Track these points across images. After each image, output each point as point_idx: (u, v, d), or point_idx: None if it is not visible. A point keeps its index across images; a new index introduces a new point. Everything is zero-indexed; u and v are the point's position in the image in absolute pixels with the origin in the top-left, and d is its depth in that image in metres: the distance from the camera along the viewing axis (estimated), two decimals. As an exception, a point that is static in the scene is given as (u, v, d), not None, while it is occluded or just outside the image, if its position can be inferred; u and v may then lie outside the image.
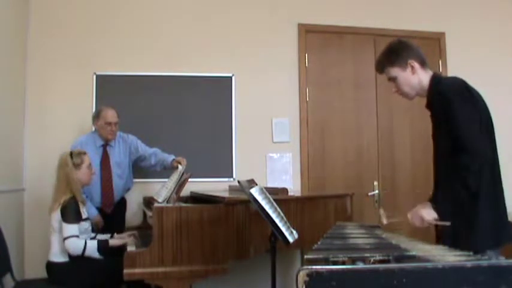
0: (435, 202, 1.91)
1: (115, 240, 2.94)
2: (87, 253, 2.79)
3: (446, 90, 1.94)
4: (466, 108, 1.88)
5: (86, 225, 2.94)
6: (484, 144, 1.84)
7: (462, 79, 1.99)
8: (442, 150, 2.00)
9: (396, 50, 2.09)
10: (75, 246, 2.77)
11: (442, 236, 1.96)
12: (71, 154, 2.99)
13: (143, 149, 3.61)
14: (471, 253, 1.37)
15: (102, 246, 2.85)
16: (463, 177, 1.83)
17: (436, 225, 1.95)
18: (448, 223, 1.85)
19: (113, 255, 2.83)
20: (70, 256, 2.83)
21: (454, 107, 1.88)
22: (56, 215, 2.84)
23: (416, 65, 2.06)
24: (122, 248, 2.78)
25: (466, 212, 1.89)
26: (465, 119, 1.86)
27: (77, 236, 2.80)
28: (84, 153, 3.05)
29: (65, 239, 2.77)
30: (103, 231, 3.16)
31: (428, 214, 1.89)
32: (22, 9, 3.72)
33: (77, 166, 2.96)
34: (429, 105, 2.09)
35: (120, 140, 3.58)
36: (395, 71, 2.09)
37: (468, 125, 1.86)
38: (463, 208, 1.88)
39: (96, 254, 2.82)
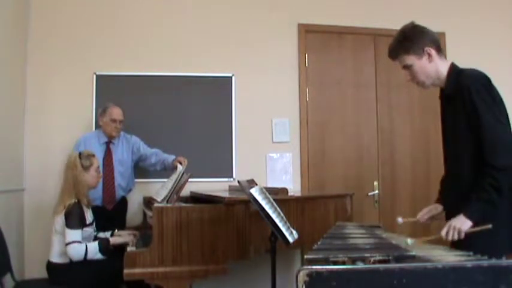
0: (465, 209, 1.81)
1: (116, 238, 2.93)
2: (89, 256, 2.77)
3: (469, 82, 1.85)
4: (495, 107, 1.82)
5: (90, 230, 2.92)
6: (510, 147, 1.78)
7: (484, 73, 1.90)
8: (464, 142, 1.90)
9: (411, 37, 1.96)
10: (77, 252, 2.75)
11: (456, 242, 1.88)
12: (80, 155, 2.96)
13: (145, 149, 3.64)
14: (471, 253, 1.37)
15: (103, 246, 2.83)
16: (496, 178, 1.76)
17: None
18: (489, 226, 1.73)
19: (114, 254, 2.81)
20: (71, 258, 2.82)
21: (480, 101, 1.80)
22: (60, 218, 2.82)
23: (433, 52, 1.94)
24: (123, 247, 2.78)
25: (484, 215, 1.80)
26: (495, 119, 1.80)
27: (79, 242, 2.78)
28: (93, 156, 3.03)
29: (66, 244, 2.76)
30: (104, 230, 3.15)
31: (464, 224, 1.78)
32: (22, 9, 3.72)
33: (86, 168, 2.94)
34: (446, 96, 1.99)
35: (124, 139, 3.61)
36: (410, 59, 1.96)
37: (500, 125, 1.80)
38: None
39: (98, 256, 2.80)
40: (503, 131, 1.81)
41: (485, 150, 1.80)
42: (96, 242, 2.85)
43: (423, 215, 2.12)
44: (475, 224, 1.77)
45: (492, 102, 1.83)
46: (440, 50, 1.98)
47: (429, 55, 1.95)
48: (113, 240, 2.90)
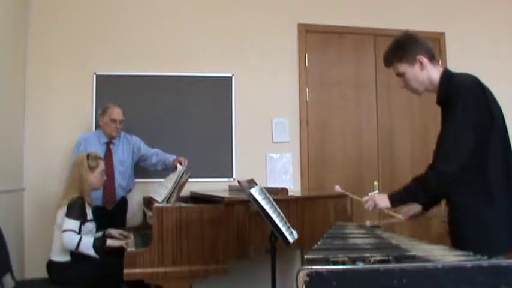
0: (393, 192, 2.00)
1: (113, 241, 2.93)
2: (81, 249, 2.77)
3: (457, 86, 1.88)
4: (467, 109, 1.83)
5: (91, 226, 2.95)
6: (457, 155, 1.82)
7: (475, 76, 1.92)
8: None
9: (404, 45, 2.02)
10: (70, 240, 2.77)
11: (454, 239, 1.93)
12: (88, 156, 3.03)
13: (146, 148, 3.64)
14: (471, 253, 1.37)
15: (98, 244, 2.84)
16: (432, 181, 1.90)
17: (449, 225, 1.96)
18: (401, 217, 1.94)
19: (108, 255, 2.82)
20: (71, 255, 2.83)
21: (455, 105, 1.84)
22: (62, 212, 2.86)
23: (425, 60, 1.99)
24: (119, 249, 2.78)
25: (482, 214, 1.84)
26: (458, 121, 1.83)
27: (75, 232, 2.80)
28: (100, 158, 3.10)
29: (63, 231, 2.78)
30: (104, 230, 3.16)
31: (383, 203, 1.98)
32: (22, 9, 3.72)
33: (92, 169, 3.00)
34: (440, 102, 2.03)
35: (124, 140, 3.61)
36: (403, 67, 2.03)
37: (457, 129, 1.83)
38: (478, 211, 1.85)
39: (91, 251, 2.80)
40: (457, 140, 1.83)
41: (438, 149, 1.90)
42: (92, 238, 2.86)
43: (405, 212, 2.22)
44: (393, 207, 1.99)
45: (467, 108, 1.84)
46: (433, 58, 2.03)
47: (421, 63, 2.00)
48: (110, 242, 2.90)
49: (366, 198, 2.05)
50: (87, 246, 2.79)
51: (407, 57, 2.01)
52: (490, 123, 1.86)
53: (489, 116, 1.87)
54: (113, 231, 3.09)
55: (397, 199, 1.99)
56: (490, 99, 1.90)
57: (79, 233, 2.82)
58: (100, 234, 3.08)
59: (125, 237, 3.01)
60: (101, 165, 3.07)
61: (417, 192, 1.95)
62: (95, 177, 3.02)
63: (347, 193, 2.35)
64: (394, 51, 2.06)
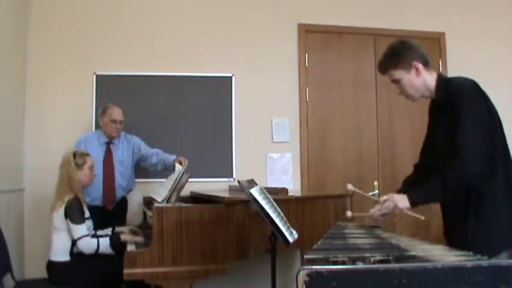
0: (412, 192, 1.92)
1: (126, 236, 2.97)
2: (101, 250, 2.82)
3: (458, 89, 1.89)
4: (477, 111, 1.84)
5: (89, 224, 2.97)
6: (482, 155, 1.80)
7: (473, 79, 1.94)
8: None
9: (399, 52, 2.02)
10: (89, 245, 2.81)
11: (452, 239, 1.94)
12: (74, 154, 3.02)
13: (146, 149, 3.64)
14: (471, 253, 1.37)
15: (115, 241, 2.88)
16: (453, 184, 1.83)
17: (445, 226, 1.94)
18: (422, 217, 1.86)
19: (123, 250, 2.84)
20: (71, 255, 2.84)
21: (464, 108, 1.84)
22: (58, 213, 2.85)
23: (420, 66, 1.99)
24: (123, 247, 2.80)
25: (481, 214, 1.85)
26: (473, 123, 1.83)
27: (88, 235, 2.83)
28: (87, 155, 3.08)
29: (77, 240, 2.80)
30: (104, 229, 3.17)
31: (402, 203, 1.90)
32: (22, 9, 3.72)
33: (79, 166, 2.98)
34: (437, 106, 2.04)
35: (124, 140, 3.61)
36: (399, 74, 2.03)
37: (473, 131, 1.82)
38: (477, 210, 1.85)
39: (109, 250, 2.85)
40: (477, 141, 1.82)
41: (455, 154, 1.84)
42: (107, 238, 2.90)
43: (375, 211, 2.16)
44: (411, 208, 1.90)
45: (476, 110, 1.85)
46: (427, 63, 2.03)
47: (417, 69, 2.00)
48: (124, 237, 2.95)
49: (383, 198, 1.97)
50: (105, 246, 2.84)
51: (403, 63, 2.01)
52: (492, 125, 1.88)
53: (491, 118, 1.89)
54: (122, 228, 3.14)
55: (417, 200, 1.90)
56: (489, 102, 1.92)
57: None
58: (108, 230, 3.11)
59: (134, 232, 3.06)
60: (89, 161, 3.04)
61: (437, 193, 1.87)
62: (84, 175, 3.00)
63: (362, 192, 2.25)
64: (389, 57, 2.05)
